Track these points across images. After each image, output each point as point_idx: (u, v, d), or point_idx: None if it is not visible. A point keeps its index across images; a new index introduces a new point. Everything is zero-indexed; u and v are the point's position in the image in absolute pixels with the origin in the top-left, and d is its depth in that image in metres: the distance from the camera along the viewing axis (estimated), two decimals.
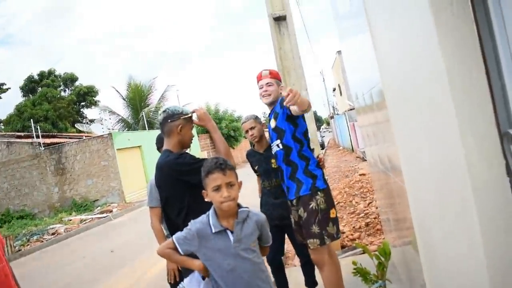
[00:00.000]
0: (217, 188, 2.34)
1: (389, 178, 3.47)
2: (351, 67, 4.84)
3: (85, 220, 16.88)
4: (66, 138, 26.33)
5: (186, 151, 3.07)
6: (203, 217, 2.47)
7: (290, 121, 3.59)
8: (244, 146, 35.56)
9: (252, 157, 4.36)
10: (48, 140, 23.09)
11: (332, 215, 3.55)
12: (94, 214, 18.10)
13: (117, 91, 33.65)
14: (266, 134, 4.17)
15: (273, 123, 3.72)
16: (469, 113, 1.31)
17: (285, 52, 5.64)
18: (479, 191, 1.31)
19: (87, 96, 39.93)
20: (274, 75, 3.87)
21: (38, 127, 24.12)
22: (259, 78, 3.88)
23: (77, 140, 22.73)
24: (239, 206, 2.46)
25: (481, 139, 1.31)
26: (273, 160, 4.14)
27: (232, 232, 2.39)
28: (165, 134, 3.10)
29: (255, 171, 4.39)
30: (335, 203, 8.34)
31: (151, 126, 30.75)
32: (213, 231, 2.38)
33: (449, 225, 1.68)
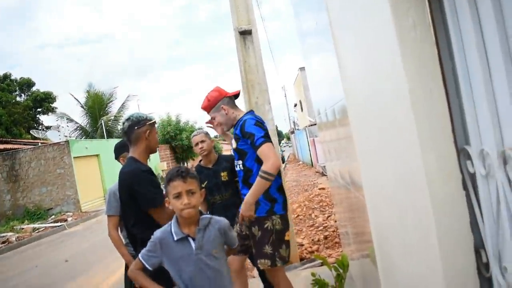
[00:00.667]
0: (178, 196, 2.38)
1: (349, 192, 3.55)
2: (314, 84, 4.94)
3: (38, 229, 16.33)
4: (20, 144, 25.50)
5: (153, 171, 3.08)
6: (165, 226, 2.50)
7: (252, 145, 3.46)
8: None
9: (200, 173, 4.25)
10: (1, 146, 22.31)
11: (287, 238, 3.49)
12: (48, 223, 17.55)
13: (75, 98, 32.97)
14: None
15: (234, 144, 3.59)
16: (430, 131, 1.39)
17: (250, 66, 5.71)
18: (437, 205, 1.38)
19: (44, 102, 38.92)
20: (207, 108, 3.68)
21: None
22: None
23: (32, 146, 22.05)
24: (201, 213, 2.50)
25: (440, 155, 1.38)
26: (222, 173, 4.21)
27: (193, 239, 2.42)
28: (131, 142, 3.09)
29: (202, 187, 4.39)
30: (295, 216, 8.45)
31: (110, 135, 30.20)
32: (175, 238, 2.41)
33: (408, 239, 1.75)
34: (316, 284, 3.98)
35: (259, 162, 3.38)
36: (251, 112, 3.69)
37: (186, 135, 32.40)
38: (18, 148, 21.77)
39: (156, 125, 3.25)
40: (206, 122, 3.84)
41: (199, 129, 4.41)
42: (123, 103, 33.83)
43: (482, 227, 1.38)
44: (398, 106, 1.54)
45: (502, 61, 1.21)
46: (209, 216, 2.53)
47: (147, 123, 3.09)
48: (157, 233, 2.48)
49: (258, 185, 3.23)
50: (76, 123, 32.37)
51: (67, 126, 30.47)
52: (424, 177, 1.39)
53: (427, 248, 1.46)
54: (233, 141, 3.59)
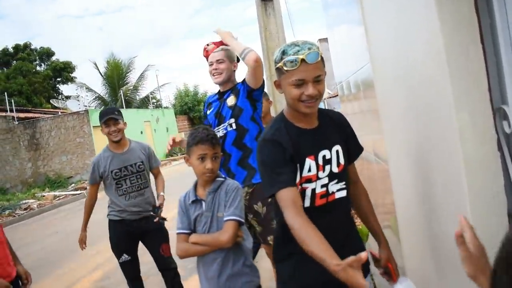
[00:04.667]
0: (202, 158, 2.43)
1: (370, 163, 3.50)
2: (337, 54, 4.84)
3: (58, 197, 16.67)
4: (41, 113, 25.81)
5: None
6: (186, 191, 2.61)
7: (250, 101, 3.31)
8: None
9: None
10: (22, 115, 22.62)
11: None
12: (68, 191, 17.88)
13: (96, 66, 33.13)
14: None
15: (232, 100, 3.35)
16: (465, 89, 1.32)
17: (270, 33, 5.62)
18: (470, 166, 1.33)
19: (64, 71, 39.14)
20: (226, 49, 3.42)
21: (12, 101, 23.56)
22: (207, 54, 3.46)
23: (52, 115, 22.31)
24: (219, 176, 2.56)
25: (475, 115, 1.32)
26: None
27: (205, 201, 2.50)
28: None
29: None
30: None
31: (128, 105, 30.37)
32: (190, 201, 2.53)
33: (436, 203, 1.70)
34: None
35: (254, 122, 3.31)
36: None
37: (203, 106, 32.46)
38: (39, 117, 22.04)
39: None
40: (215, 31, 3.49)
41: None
42: (142, 73, 33.93)
43: None
44: (430, 62, 1.48)
45: None
46: (221, 179, 2.55)
47: None
48: (181, 197, 2.59)
49: (241, 45, 3.18)
50: (95, 92, 32.61)
51: (87, 96, 30.74)
52: (458, 137, 1.33)
53: (457, 210, 1.41)
54: (231, 98, 3.35)
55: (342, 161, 1.94)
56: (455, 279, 1.54)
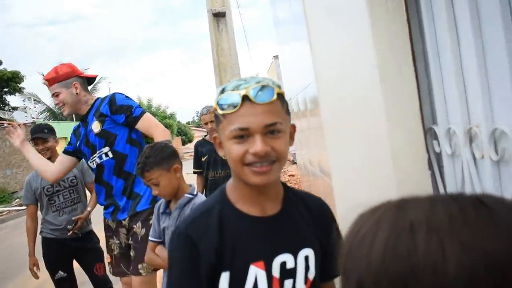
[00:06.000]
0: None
1: (316, 179, 3.55)
2: (287, 71, 4.91)
3: (1, 212, 15.96)
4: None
5: None
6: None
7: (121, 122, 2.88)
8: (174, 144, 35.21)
9: (202, 147, 4.36)
10: None
11: None
12: (12, 206, 17.15)
13: (44, 78, 32.18)
14: None
15: (96, 127, 2.91)
16: (398, 108, 1.37)
17: (222, 49, 5.65)
18: (402, 184, 1.37)
19: (11, 82, 37.76)
20: (53, 80, 3.00)
21: None
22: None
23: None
24: (189, 192, 2.41)
25: (407, 134, 1.37)
26: None
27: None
28: None
29: (197, 167, 4.43)
30: None
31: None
32: (161, 211, 2.43)
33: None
34: None
35: (133, 143, 2.91)
36: None
37: (158, 119, 32.06)
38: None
39: None
40: (45, 80, 3.07)
41: (208, 106, 4.21)
42: (94, 85, 33.20)
43: None
44: (367, 82, 1.52)
45: (472, 40, 1.19)
46: (190, 196, 2.43)
47: None
48: (157, 204, 2.50)
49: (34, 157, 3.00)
50: (44, 104, 31.68)
51: (35, 107, 29.81)
52: (390, 156, 1.37)
53: None
54: (95, 124, 2.92)
55: (312, 274, 1.19)
56: None
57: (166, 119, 33.81)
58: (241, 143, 1.08)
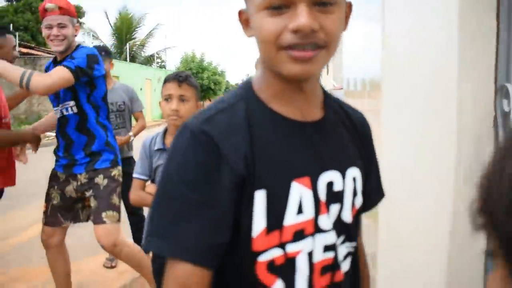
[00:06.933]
0: (167, 98, 2.23)
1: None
2: (351, 49, 4.77)
3: (48, 137, 16.59)
4: (43, 52, 25.53)
5: None
6: (154, 134, 2.39)
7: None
8: None
9: None
10: (24, 50, 22.36)
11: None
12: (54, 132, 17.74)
13: (107, 16, 32.84)
14: None
15: None
16: (471, 60, 1.31)
17: None
18: (462, 139, 1.32)
19: None
20: (66, 11, 2.85)
21: (17, 35, 23.27)
22: (43, 14, 2.81)
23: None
24: None
25: (477, 88, 1.31)
26: None
27: None
28: None
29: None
30: None
31: (133, 60, 30.14)
32: (154, 148, 2.30)
33: (423, 173, 1.70)
34: None
35: (93, 104, 2.87)
36: None
37: (208, 74, 32.28)
38: (40, 55, 21.81)
39: None
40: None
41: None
42: (151, 30, 33.61)
43: None
44: (443, 31, 1.45)
45: None
46: None
47: None
48: (145, 140, 2.37)
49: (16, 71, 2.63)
50: (101, 41, 32.31)
51: (92, 43, 30.44)
52: (455, 108, 1.32)
53: (443, 178, 1.41)
54: None
55: (359, 200, 0.96)
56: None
57: (216, 75, 33.96)
58: (278, 16, 0.77)
